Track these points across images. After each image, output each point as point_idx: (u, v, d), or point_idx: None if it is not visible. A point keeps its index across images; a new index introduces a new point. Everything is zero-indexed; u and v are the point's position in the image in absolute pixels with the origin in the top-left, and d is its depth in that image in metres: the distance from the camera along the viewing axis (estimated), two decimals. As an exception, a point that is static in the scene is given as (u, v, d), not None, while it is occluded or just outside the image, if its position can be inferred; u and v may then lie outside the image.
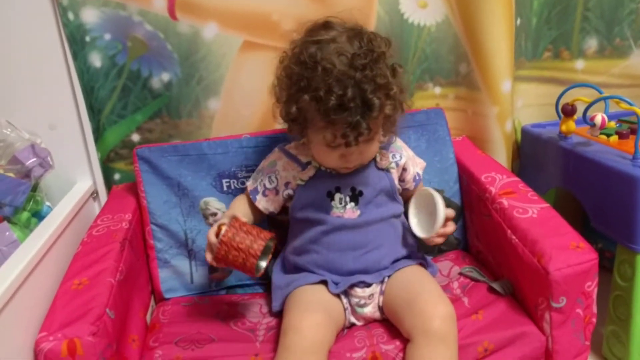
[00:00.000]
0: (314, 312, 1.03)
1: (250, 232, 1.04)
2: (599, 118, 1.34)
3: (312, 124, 1.05)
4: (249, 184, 1.24)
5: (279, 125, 1.14)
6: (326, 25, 1.06)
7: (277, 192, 1.20)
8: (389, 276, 1.15)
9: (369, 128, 1.01)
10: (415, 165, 1.24)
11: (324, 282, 1.13)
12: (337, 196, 1.15)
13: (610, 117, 1.45)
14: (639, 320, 1.23)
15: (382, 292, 1.13)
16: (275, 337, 1.07)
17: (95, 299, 0.97)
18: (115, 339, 0.98)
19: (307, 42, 1.04)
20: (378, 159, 1.18)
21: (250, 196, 1.22)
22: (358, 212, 1.15)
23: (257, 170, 1.25)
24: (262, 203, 1.21)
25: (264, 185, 1.21)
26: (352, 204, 1.15)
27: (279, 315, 1.12)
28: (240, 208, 1.22)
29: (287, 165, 1.20)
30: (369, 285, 1.13)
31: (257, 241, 1.03)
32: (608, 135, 1.41)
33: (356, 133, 1.00)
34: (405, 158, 1.21)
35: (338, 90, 0.97)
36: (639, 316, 1.23)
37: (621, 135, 1.40)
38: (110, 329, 0.95)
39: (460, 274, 1.25)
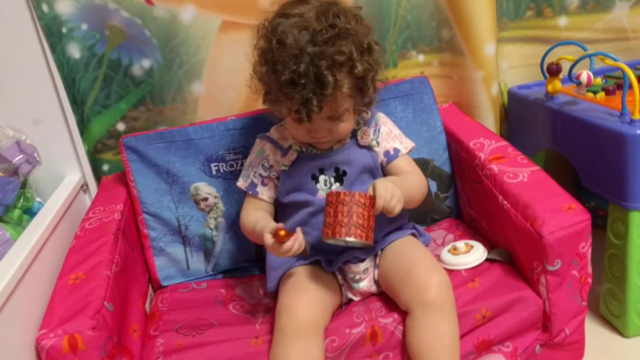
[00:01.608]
0: (307, 291, 1.04)
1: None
2: (584, 76, 1.33)
3: (273, 98, 1.06)
4: (241, 183, 1.21)
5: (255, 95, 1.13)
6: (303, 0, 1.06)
7: (271, 177, 1.20)
8: (382, 249, 1.15)
9: (321, 105, 1.00)
10: (393, 140, 1.19)
11: (318, 261, 1.13)
12: (322, 178, 1.15)
13: (596, 74, 1.44)
14: (634, 277, 1.24)
15: (376, 266, 1.13)
16: (275, 318, 1.08)
17: (92, 293, 0.97)
18: (116, 331, 0.98)
19: (276, 15, 1.05)
20: (359, 136, 1.17)
21: (250, 192, 1.19)
22: None
23: (246, 167, 1.22)
24: (265, 193, 1.19)
25: (260, 175, 1.19)
26: (337, 184, 1.15)
27: (276, 296, 1.13)
28: (260, 215, 1.16)
29: (273, 149, 1.19)
30: (362, 260, 1.13)
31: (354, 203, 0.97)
32: (595, 93, 1.40)
33: (307, 109, 1.00)
34: (381, 133, 1.19)
35: (292, 65, 0.97)
36: (634, 273, 1.24)
37: (608, 92, 1.39)
38: (110, 322, 0.95)
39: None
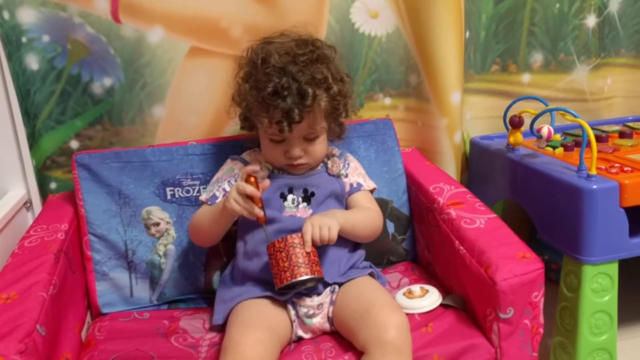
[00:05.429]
0: (255, 328, 1.00)
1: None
2: (545, 130, 1.35)
3: (254, 114, 1.13)
4: (203, 197, 1.21)
5: (233, 121, 1.24)
6: (281, 34, 1.17)
7: None
8: (339, 285, 1.13)
9: (302, 115, 1.07)
10: (358, 176, 1.26)
11: (270, 296, 1.09)
12: (290, 197, 1.17)
13: (556, 130, 1.47)
14: (585, 331, 1.24)
15: (332, 302, 1.10)
16: (219, 353, 1.03)
17: (24, 314, 0.91)
18: (46, 358, 0.91)
19: (259, 44, 1.15)
20: (329, 165, 1.22)
21: (209, 203, 1.18)
22: (310, 211, 1.16)
23: (212, 182, 1.23)
24: None
25: (224, 189, 1.19)
26: (305, 204, 1.17)
27: (222, 330, 1.08)
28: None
29: (243, 168, 1.19)
30: (318, 294, 1.10)
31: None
32: (554, 148, 1.43)
33: (289, 120, 1.06)
34: (350, 167, 1.26)
35: (275, 79, 1.06)
36: (585, 327, 1.24)
37: (566, 148, 1.42)
38: (40, 347, 0.89)
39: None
